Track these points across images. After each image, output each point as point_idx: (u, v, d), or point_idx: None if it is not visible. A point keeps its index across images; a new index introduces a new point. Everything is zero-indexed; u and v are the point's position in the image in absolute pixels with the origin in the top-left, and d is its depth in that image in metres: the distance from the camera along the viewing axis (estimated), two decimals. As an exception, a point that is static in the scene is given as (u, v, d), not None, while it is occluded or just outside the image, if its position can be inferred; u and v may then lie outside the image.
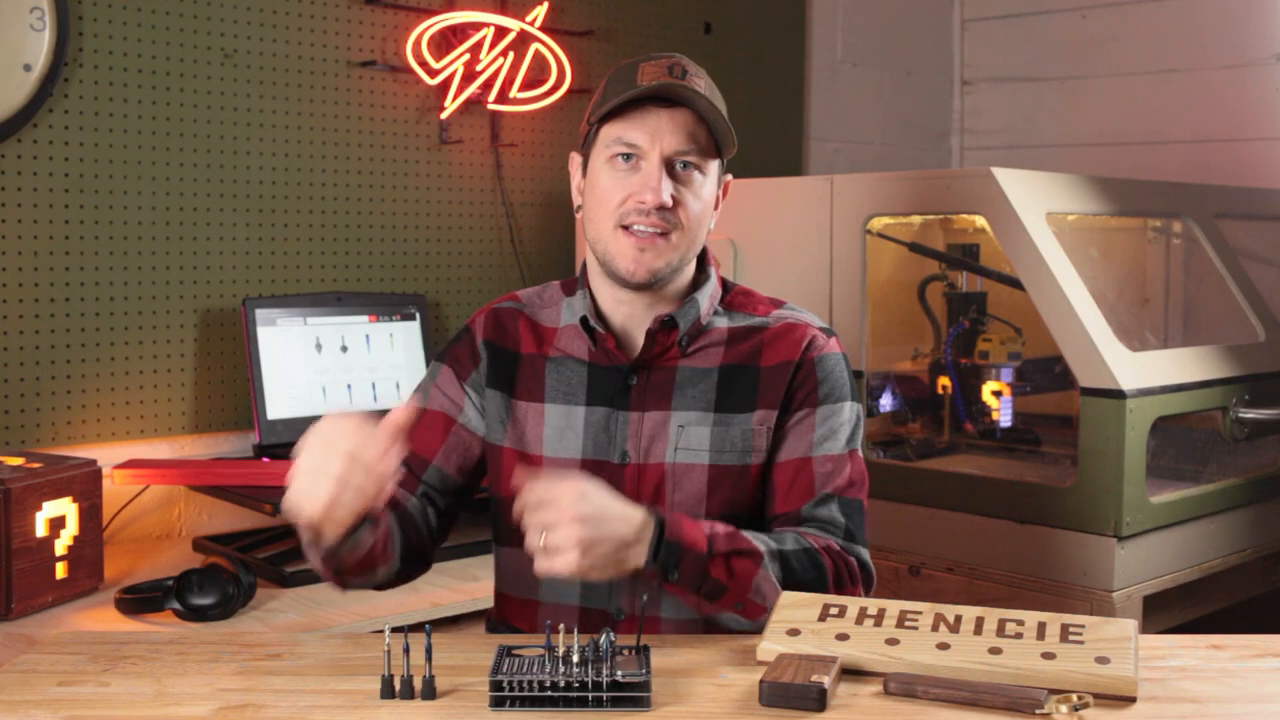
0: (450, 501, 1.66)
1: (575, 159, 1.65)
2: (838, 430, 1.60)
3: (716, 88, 1.59)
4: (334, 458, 1.33)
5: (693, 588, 1.44)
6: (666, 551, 1.41)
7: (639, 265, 1.54)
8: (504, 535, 1.65)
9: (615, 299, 1.61)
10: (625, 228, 1.54)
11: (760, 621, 1.46)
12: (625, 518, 1.39)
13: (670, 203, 1.53)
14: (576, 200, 1.65)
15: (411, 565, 1.60)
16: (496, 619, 1.69)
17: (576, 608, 1.58)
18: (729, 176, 1.66)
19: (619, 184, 1.55)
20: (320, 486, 1.33)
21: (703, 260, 1.66)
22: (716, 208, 1.64)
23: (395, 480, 1.45)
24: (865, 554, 1.57)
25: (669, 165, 1.54)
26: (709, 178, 1.58)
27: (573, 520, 1.34)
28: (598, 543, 1.35)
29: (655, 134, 1.53)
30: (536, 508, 1.36)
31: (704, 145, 1.55)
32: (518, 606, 1.63)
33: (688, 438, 1.57)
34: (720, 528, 1.47)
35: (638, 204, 1.53)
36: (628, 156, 1.54)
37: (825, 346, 1.62)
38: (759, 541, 1.48)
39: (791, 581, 1.48)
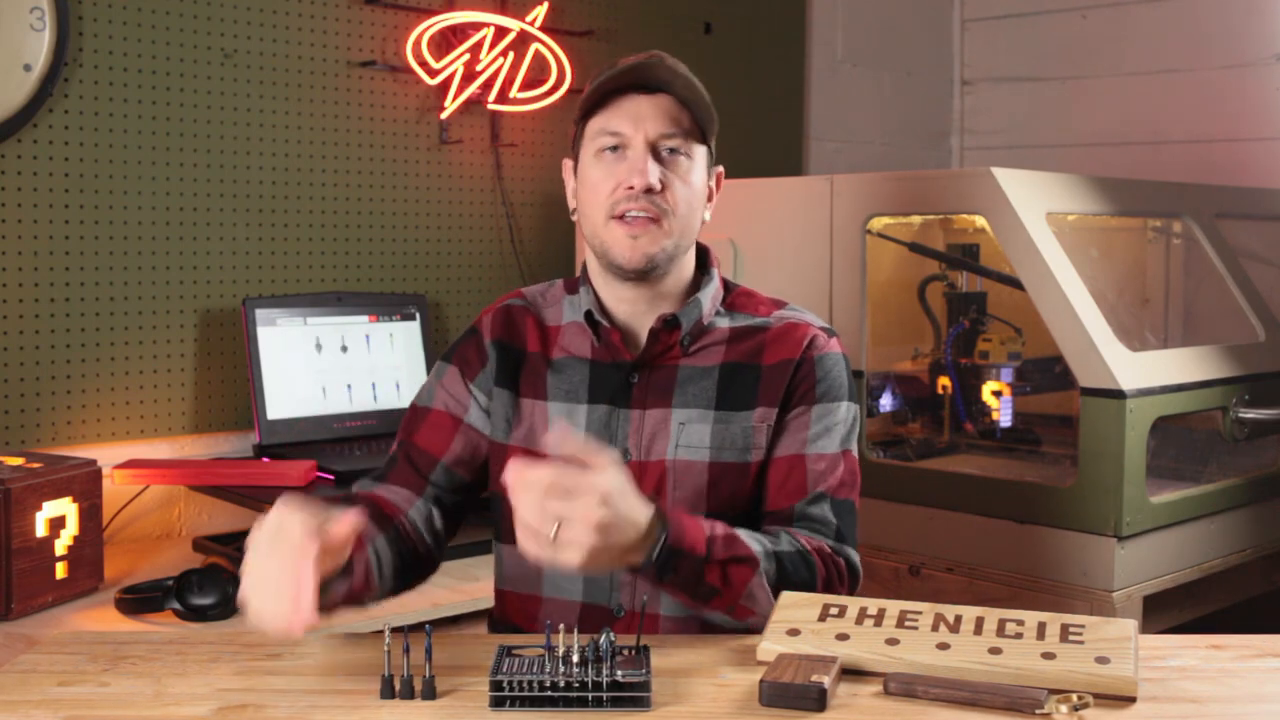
0: (458, 500, 1.65)
1: (567, 164, 1.67)
2: (833, 429, 1.60)
3: (698, 80, 1.61)
4: (284, 568, 1.26)
5: (687, 590, 1.43)
6: (666, 555, 1.40)
7: (634, 252, 1.56)
8: (505, 533, 1.64)
9: (617, 296, 1.62)
10: (618, 218, 1.56)
11: (750, 622, 1.46)
12: (636, 525, 1.35)
13: (658, 185, 1.54)
14: (571, 204, 1.66)
15: (414, 574, 1.59)
16: (498, 616, 1.69)
17: (578, 604, 1.58)
18: (719, 168, 1.68)
19: (608, 174, 1.57)
20: (274, 601, 1.26)
21: (705, 261, 1.68)
22: (711, 199, 1.65)
23: (361, 521, 1.38)
24: (854, 555, 1.58)
25: (654, 151, 1.56)
26: (696, 163, 1.59)
27: (593, 527, 1.29)
28: (606, 550, 1.32)
29: (637, 119, 1.55)
30: (556, 495, 1.28)
31: (687, 128, 1.57)
32: (519, 603, 1.63)
33: (688, 435, 1.58)
34: (720, 530, 1.46)
35: (626, 190, 1.55)
36: (614, 147, 1.57)
37: (826, 346, 1.63)
38: (756, 544, 1.48)
39: (783, 582, 1.48)
